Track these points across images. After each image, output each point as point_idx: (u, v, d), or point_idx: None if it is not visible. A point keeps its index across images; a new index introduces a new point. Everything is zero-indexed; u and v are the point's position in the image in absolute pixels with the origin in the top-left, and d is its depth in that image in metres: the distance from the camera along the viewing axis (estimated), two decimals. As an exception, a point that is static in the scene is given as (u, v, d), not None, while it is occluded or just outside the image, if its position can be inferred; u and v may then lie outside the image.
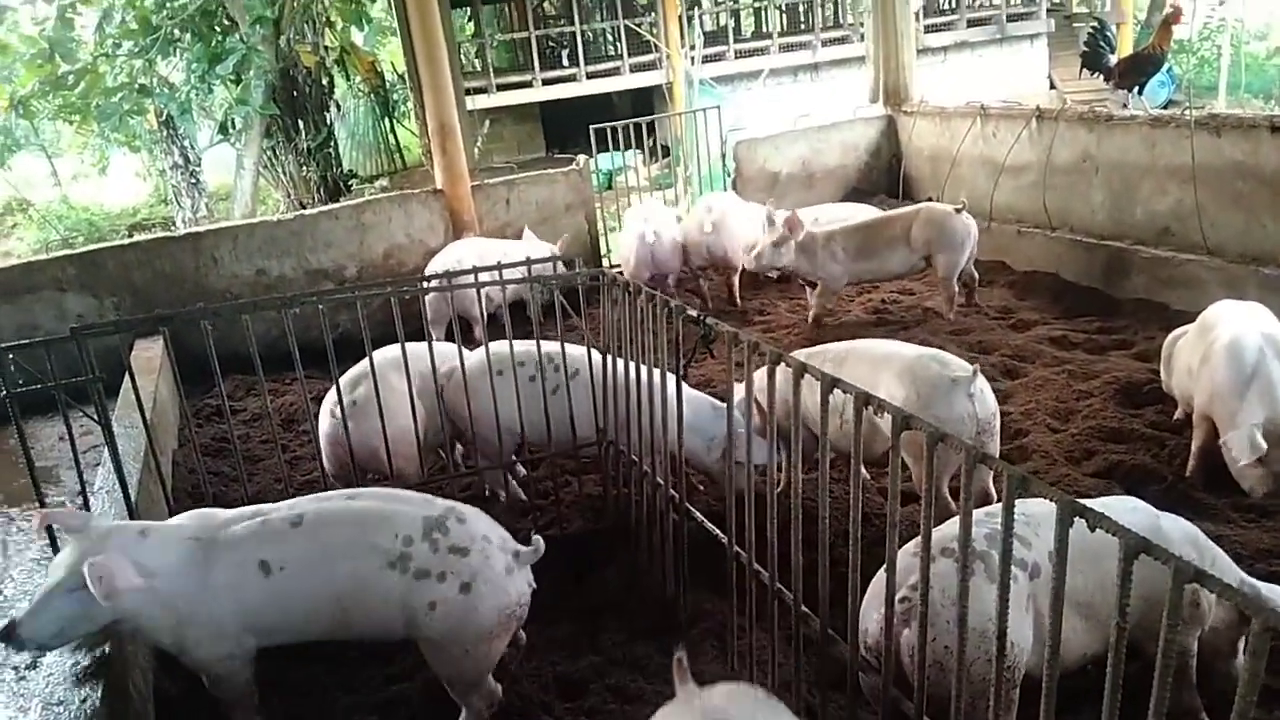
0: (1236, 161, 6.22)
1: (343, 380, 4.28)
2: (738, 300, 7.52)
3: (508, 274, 4.28)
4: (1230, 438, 4.04)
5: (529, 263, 4.47)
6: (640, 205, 8.23)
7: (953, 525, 2.49)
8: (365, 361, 4.12)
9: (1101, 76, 9.81)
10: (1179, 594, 1.63)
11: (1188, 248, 6.46)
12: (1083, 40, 10.51)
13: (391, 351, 4.21)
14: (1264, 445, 3.91)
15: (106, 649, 2.95)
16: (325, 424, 4.37)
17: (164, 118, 14.31)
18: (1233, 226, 6.27)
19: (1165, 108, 10.98)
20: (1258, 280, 5.77)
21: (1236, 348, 4.15)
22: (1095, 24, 10.08)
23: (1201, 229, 6.38)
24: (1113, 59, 9.63)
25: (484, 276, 4.19)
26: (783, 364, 2.72)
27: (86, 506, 3.62)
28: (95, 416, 3.48)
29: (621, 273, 7.01)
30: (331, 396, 4.31)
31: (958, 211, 6.48)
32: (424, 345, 4.18)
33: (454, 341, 4.48)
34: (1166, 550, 1.65)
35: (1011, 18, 19.11)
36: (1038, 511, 2.71)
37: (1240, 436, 3.96)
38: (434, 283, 5.28)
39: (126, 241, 7.61)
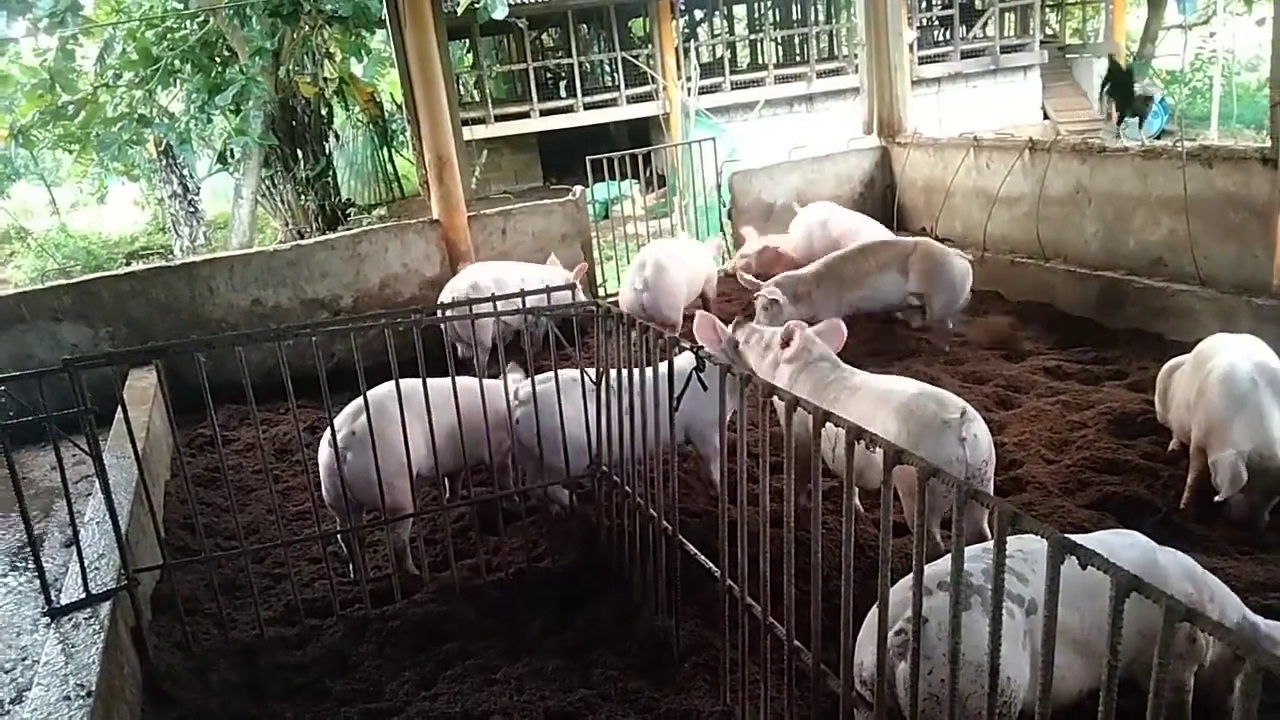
0: (1228, 193, 6.26)
1: (343, 413, 4.27)
2: None
3: (505, 305, 4.28)
4: (1215, 461, 4.06)
5: (523, 294, 4.47)
6: (659, 243, 7.78)
7: (949, 560, 2.48)
8: (367, 393, 4.11)
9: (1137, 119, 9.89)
10: (1170, 633, 1.62)
11: (1181, 278, 6.48)
12: (1101, 80, 10.67)
13: (397, 384, 4.18)
14: (1245, 476, 3.95)
15: (93, 681, 2.93)
16: (323, 454, 4.36)
17: (163, 147, 14.40)
18: (1225, 257, 6.30)
19: (1159, 138, 11.07)
20: (1250, 311, 5.79)
21: (1229, 379, 4.17)
22: (1115, 66, 10.25)
23: (1194, 259, 6.41)
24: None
25: (483, 308, 4.19)
26: (775, 397, 2.72)
27: (76, 537, 3.60)
28: (86, 449, 3.46)
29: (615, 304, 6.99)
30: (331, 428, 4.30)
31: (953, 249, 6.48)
32: (419, 381, 4.17)
33: (461, 369, 4.46)
34: (1158, 589, 1.65)
35: (1005, 49, 19.29)
36: (1035, 548, 2.70)
37: (1224, 461, 3.98)
38: (450, 310, 5.28)
39: (122, 271, 7.60)
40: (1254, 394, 4.09)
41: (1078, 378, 6.07)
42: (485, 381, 4.52)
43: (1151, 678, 1.63)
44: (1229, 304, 5.99)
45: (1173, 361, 4.86)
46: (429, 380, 4.10)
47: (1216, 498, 4.07)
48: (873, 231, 7.67)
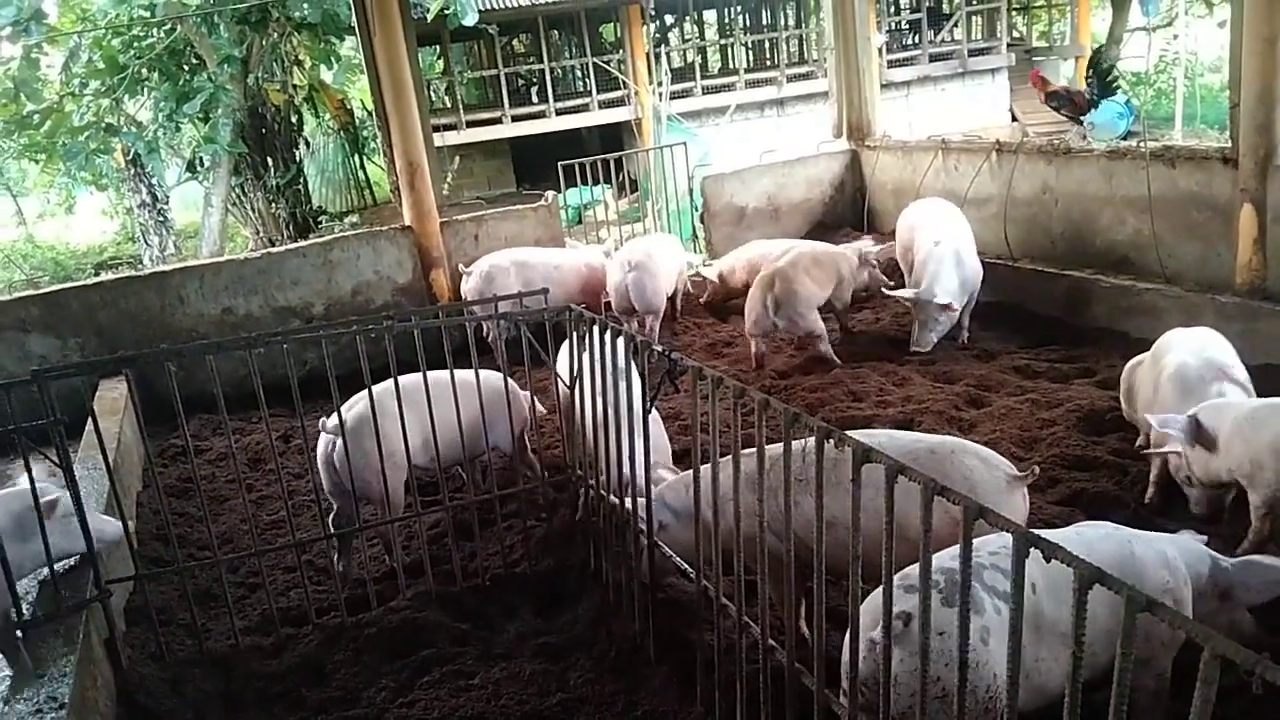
0: (1191, 192, 6.36)
1: (344, 406, 4.30)
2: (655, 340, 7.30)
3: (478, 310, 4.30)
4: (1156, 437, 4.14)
5: (495, 299, 4.49)
6: (642, 239, 8.26)
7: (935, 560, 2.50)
8: (366, 389, 4.14)
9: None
10: (1130, 622, 1.65)
11: (1146, 277, 6.58)
12: (1089, 79, 10.98)
13: (404, 380, 4.18)
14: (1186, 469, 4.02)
15: (66, 694, 2.90)
16: (321, 445, 4.40)
17: (131, 156, 14.25)
18: (1189, 255, 6.40)
19: (1125, 139, 11.23)
20: (1214, 308, 5.88)
21: (1180, 374, 4.29)
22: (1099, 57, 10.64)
23: (1159, 258, 6.50)
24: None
25: (470, 312, 4.20)
26: (745, 397, 2.74)
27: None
28: (56, 460, 3.44)
29: (585, 307, 7.00)
30: (328, 420, 4.33)
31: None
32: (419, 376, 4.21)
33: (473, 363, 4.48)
34: (1118, 580, 1.68)
35: (973, 52, 19.48)
36: None
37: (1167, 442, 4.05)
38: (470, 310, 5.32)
39: (91, 281, 7.53)
40: (1203, 387, 4.18)
41: (1047, 376, 6.14)
42: (485, 373, 4.51)
43: (1115, 667, 1.66)
44: (1194, 301, 6.08)
45: (1135, 360, 4.93)
46: (429, 374, 4.15)
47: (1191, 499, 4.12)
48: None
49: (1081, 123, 10.96)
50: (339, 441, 4.15)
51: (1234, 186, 5.97)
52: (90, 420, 4.01)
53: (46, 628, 3.30)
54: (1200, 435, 3.88)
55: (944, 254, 6.65)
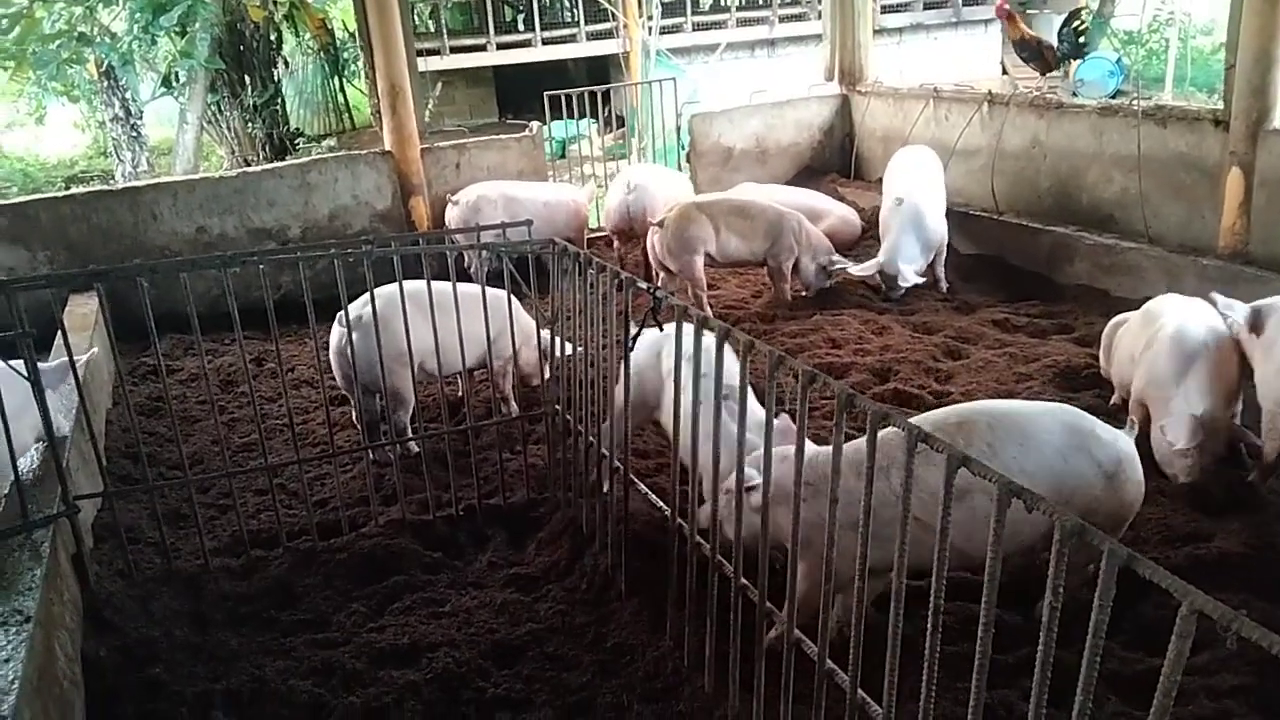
0: (1181, 153, 6.33)
1: (355, 302, 4.42)
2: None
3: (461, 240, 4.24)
4: (1169, 423, 4.13)
5: (478, 229, 4.43)
6: (648, 165, 8.70)
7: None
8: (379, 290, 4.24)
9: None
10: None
11: (1130, 236, 6.57)
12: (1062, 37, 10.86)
13: (410, 285, 4.17)
14: (1201, 433, 4.01)
15: (32, 607, 2.88)
16: (334, 336, 4.67)
17: (104, 68, 13.84)
18: (1174, 216, 6.40)
19: (1114, 97, 11.17)
20: (1196, 270, 5.90)
21: (1181, 337, 4.25)
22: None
23: (1144, 218, 6.50)
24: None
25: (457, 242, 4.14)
26: (731, 337, 2.72)
27: (13, 462, 3.51)
28: (25, 373, 3.37)
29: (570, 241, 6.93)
30: (343, 314, 4.42)
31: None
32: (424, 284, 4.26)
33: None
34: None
35: (967, 1, 19.23)
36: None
37: (1179, 423, 4.06)
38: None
39: (61, 194, 7.37)
40: (1203, 356, 4.17)
41: (1026, 331, 6.16)
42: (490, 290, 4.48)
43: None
44: (1175, 263, 6.09)
45: (1119, 318, 4.94)
46: (433, 283, 4.20)
47: (1174, 448, 4.14)
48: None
49: (1044, 75, 10.92)
50: (356, 335, 4.30)
51: (1224, 149, 5.95)
52: (60, 334, 3.93)
53: (12, 541, 3.26)
54: (1256, 322, 4.12)
55: (905, 218, 6.64)
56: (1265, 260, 5.73)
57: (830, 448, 2.33)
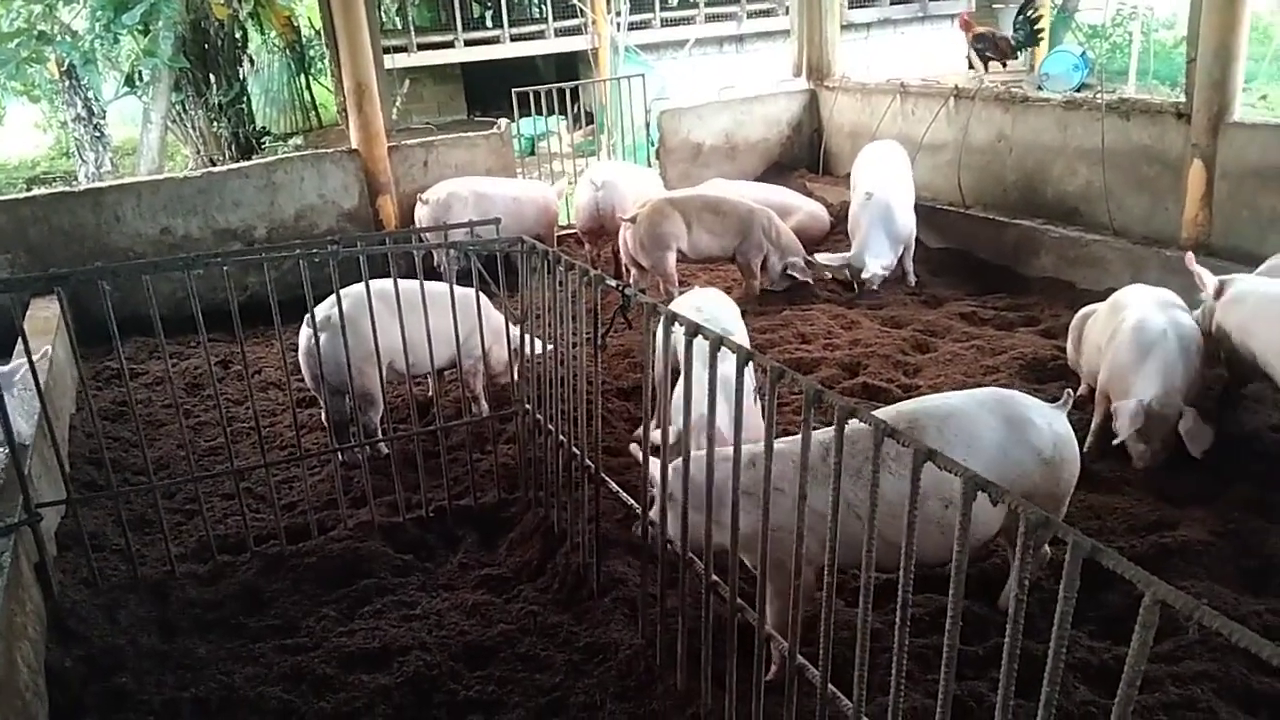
0: (1144, 145, 6.40)
1: (322, 304, 4.35)
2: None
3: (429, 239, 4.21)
4: (1118, 407, 4.19)
5: (445, 228, 4.41)
6: (615, 163, 8.84)
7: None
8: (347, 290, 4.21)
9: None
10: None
11: (1095, 228, 6.64)
12: (1016, 26, 10.99)
13: (377, 285, 4.17)
14: (1143, 419, 4.08)
15: (-7, 620, 2.83)
16: (303, 337, 4.61)
17: (65, 67, 13.62)
18: (1138, 209, 6.47)
19: (1079, 91, 11.27)
20: (1159, 261, 5.96)
21: (1141, 327, 4.30)
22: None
23: (1109, 210, 6.56)
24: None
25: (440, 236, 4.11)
26: (700, 336, 2.71)
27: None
28: (-18, 378, 3.31)
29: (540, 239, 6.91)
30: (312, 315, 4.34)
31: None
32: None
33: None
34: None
35: (934, -3, 19.34)
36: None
37: (1125, 407, 4.11)
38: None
39: (22, 196, 7.25)
40: (1162, 344, 4.22)
41: (993, 323, 6.21)
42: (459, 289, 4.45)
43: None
44: (1139, 254, 6.16)
45: (1086, 309, 4.99)
46: (401, 282, 4.18)
47: (1114, 440, 4.22)
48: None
49: (1005, 66, 11.13)
50: (324, 336, 4.25)
51: (1186, 142, 6.02)
52: (20, 340, 3.86)
53: (-27, 550, 3.20)
54: (1220, 289, 4.52)
55: (873, 213, 6.68)
56: (1226, 251, 5.80)
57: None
